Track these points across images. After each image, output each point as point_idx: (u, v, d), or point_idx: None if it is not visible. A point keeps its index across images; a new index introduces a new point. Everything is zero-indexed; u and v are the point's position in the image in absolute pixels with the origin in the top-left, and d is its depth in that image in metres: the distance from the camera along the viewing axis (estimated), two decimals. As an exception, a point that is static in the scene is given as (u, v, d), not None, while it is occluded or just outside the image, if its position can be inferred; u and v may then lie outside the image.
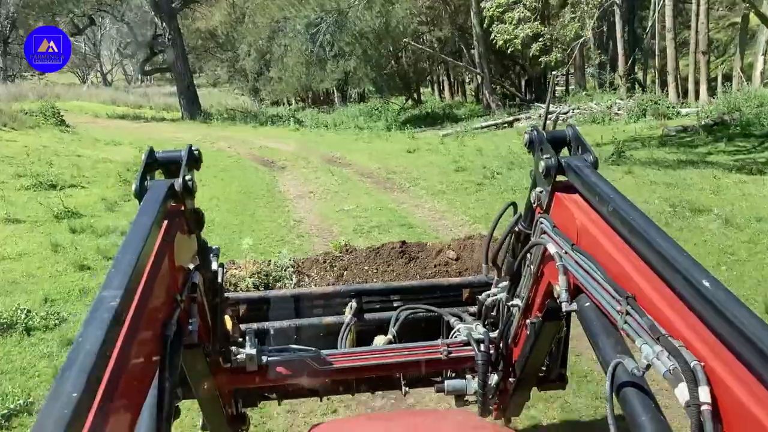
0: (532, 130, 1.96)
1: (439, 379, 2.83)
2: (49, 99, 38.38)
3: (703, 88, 26.69)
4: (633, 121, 25.48)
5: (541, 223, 1.89)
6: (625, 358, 1.34)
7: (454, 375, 2.74)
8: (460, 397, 2.74)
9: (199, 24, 38.94)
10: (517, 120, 30.06)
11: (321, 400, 3.45)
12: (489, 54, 33.97)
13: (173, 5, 32.93)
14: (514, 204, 2.35)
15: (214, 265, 2.17)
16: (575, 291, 1.66)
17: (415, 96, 42.62)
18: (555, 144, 1.89)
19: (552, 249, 1.76)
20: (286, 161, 19.70)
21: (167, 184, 1.66)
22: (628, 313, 1.34)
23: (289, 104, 54.54)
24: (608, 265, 1.48)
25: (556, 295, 1.72)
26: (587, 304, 1.58)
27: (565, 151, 1.91)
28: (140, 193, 1.63)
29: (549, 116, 22.94)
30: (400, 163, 18.39)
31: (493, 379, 2.47)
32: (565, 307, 1.64)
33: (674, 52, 27.61)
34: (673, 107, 25.64)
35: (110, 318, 1.07)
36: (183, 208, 1.76)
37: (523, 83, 39.09)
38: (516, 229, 2.22)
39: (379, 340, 2.71)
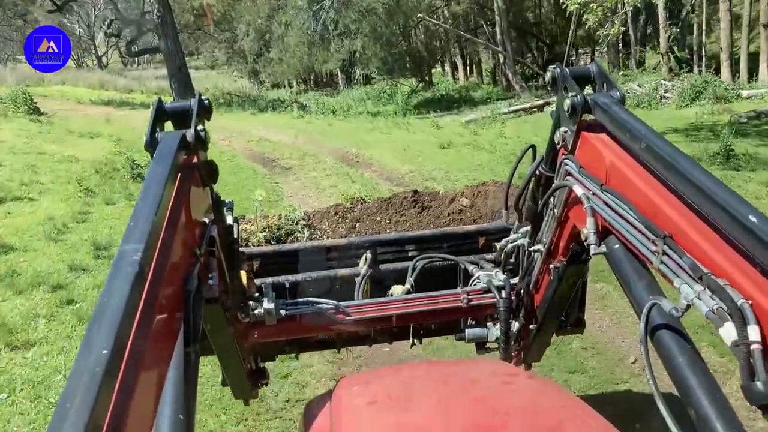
0: (554, 67, 1.81)
1: (459, 327, 2.72)
2: (31, 83, 34.66)
3: (764, 66, 22.82)
4: (684, 105, 21.75)
5: (566, 164, 1.78)
6: (661, 299, 1.26)
7: (474, 323, 2.59)
8: (481, 344, 2.63)
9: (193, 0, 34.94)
10: (548, 104, 26.27)
11: (339, 351, 3.05)
12: (510, 30, 30.06)
13: (162, -22, 28.99)
14: (533, 147, 2.20)
15: (229, 219, 2.06)
16: (603, 233, 1.57)
17: (426, 77, 38.73)
18: (579, 81, 1.75)
19: (579, 191, 1.67)
20: (291, 160, 16.10)
21: (179, 135, 1.53)
22: (664, 253, 1.26)
23: (290, 87, 52.16)
24: (641, 205, 1.39)
25: (583, 238, 1.62)
26: (617, 246, 1.50)
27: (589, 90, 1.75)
28: (152, 146, 1.50)
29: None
30: (437, 165, 14.67)
31: (515, 326, 2.37)
32: (593, 249, 1.56)
33: (729, 25, 23.68)
34: (732, 89, 21.81)
35: (134, 272, 1.01)
36: (196, 159, 1.64)
37: (544, 62, 35.10)
38: (537, 172, 2.08)
39: (397, 290, 2.57)
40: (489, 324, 2.57)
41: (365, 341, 2.81)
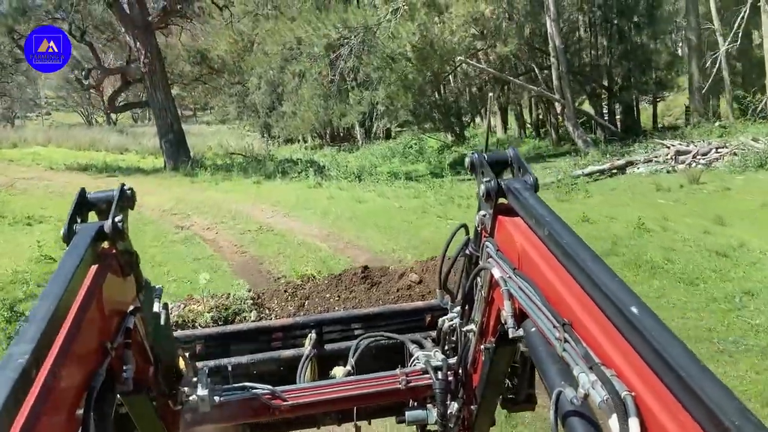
0: (473, 153, 1.80)
1: (402, 408, 2.53)
2: (5, 145, 28.83)
3: None
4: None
5: (487, 246, 1.73)
6: (566, 387, 1.21)
7: (416, 404, 2.41)
8: (422, 427, 2.44)
9: (192, 43, 28.99)
10: (631, 163, 19.96)
11: None
12: (569, 75, 23.92)
13: (150, 18, 23.08)
14: (465, 226, 2.09)
15: (157, 306, 1.91)
16: (521, 316, 1.51)
17: (459, 130, 32.60)
18: (496, 166, 1.73)
19: (497, 273, 1.61)
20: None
21: (96, 226, 1.50)
22: (566, 340, 1.22)
23: (305, 141, 47.25)
24: (547, 290, 1.37)
25: (502, 321, 1.55)
26: (533, 329, 1.44)
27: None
28: (68, 237, 1.46)
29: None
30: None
31: (454, 407, 2.23)
32: (511, 333, 1.51)
33: None
34: None
35: (15, 377, 0.95)
36: (114, 250, 1.56)
37: (605, 110, 28.80)
38: (467, 251, 2.01)
39: (338, 371, 2.41)
40: (429, 406, 2.33)
41: (312, 423, 2.50)
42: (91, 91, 25.28)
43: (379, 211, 14.31)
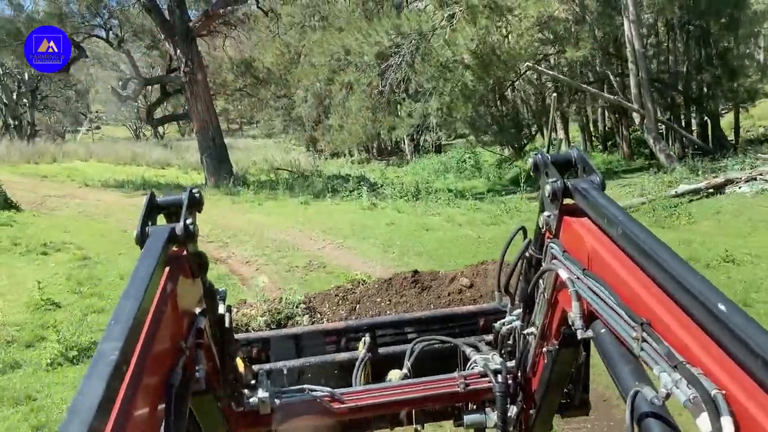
0: (536, 154, 1.75)
1: (459, 411, 2.52)
2: (43, 160, 27.23)
3: None
4: None
5: (551, 248, 1.68)
6: (643, 387, 1.19)
7: (474, 407, 2.37)
8: (480, 430, 2.40)
9: (236, 53, 26.97)
10: (730, 182, 17.03)
11: None
12: (650, 83, 21.07)
13: (190, 25, 21.08)
14: (523, 228, 2.06)
15: (221, 309, 1.92)
16: (590, 317, 1.48)
17: (523, 142, 29.83)
18: (560, 166, 1.67)
19: (563, 275, 1.56)
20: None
21: (168, 229, 1.50)
22: (644, 340, 1.19)
23: (351, 155, 45.50)
24: (621, 290, 1.33)
25: (570, 322, 1.51)
26: (603, 330, 1.42)
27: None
28: (141, 240, 1.46)
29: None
30: None
31: (513, 410, 2.19)
32: (580, 334, 1.46)
33: None
34: None
35: (110, 371, 0.99)
36: (185, 252, 1.57)
37: (693, 123, 25.68)
38: (527, 254, 1.95)
39: (394, 375, 2.39)
40: (488, 409, 2.29)
41: (366, 427, 2.43)
42: (129, 102, 23.12)
43: (452, 242, 11.75)
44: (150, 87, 25.68)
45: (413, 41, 25.15)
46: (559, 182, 1.59)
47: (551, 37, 23.73)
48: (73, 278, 10.06)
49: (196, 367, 1.50)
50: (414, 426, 2.41)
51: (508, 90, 27.28)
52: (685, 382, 1.04)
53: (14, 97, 42.90)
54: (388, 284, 4.39)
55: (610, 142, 29.50)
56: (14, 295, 9.18)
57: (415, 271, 4.47)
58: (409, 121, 34.63)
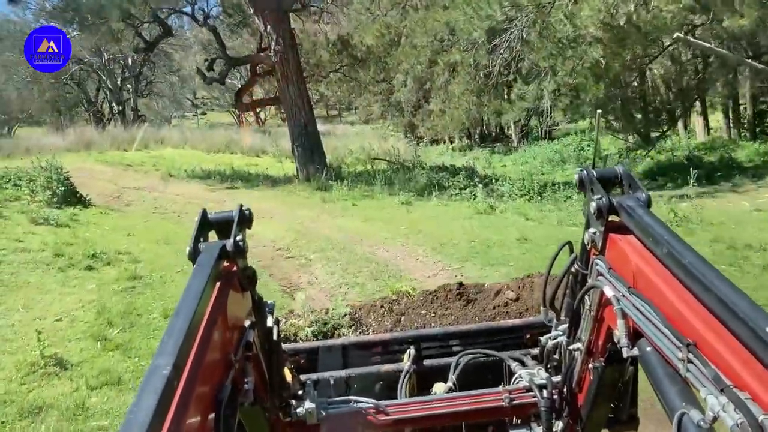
0: (582, 170, 1.71)
1: (505, 426, 2.48)
2: (130, 146, 25.56)
3: None
4: None
5: (597, 264, 1.66)
6: (690, 409, 1.16)
7: (518, 422, 2.34)
8: None
9: (330, 31, 24.00)
10: None
11: None
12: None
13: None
14: (569, 243, 2.03)
15: (270, 321, 1.94)
16: (635, 335, 1.45)
17: (664, 129, 25.35)
18: (605, 182, 1.64)
19: (609, 292, 1.54)
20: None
21: (219, 245, 1.51)
22: (690, 361, 1.16)
23: (451, 142, 42.47)
24: (667, 310, 1.31)
25: (615, 340, 1.49)
26: (648, 349, 1.38)
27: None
28: (194, 256, 1.48)
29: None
30: None
31: (559, 426, 2.10)
32: (626, 352, 1.44)
33: None
34: None
35: (162, 387, 0.99)
36: (235, 267, 1.58)
37: None
38: (573, 269, 1.94)
39: (439, 388, 2.35)
40: (533, 424, 2.25)
41: None
42: (215, 84, 20.76)
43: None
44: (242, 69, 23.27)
45: (529, 15, 21.47)
46: (604, 199, 1.54)
47: (699, 4, 19.32)
48: (107, 313, 7.40)
49: (245, 380, 1.48)
50: None
51: (643, 68, 22.94)
52: (732, 406, 0.99)
53: (118, 82, 42.24)
54: (433, 296, 4.34)
55: (759, 129, 24.60)
56: (21, 340, 6.60)
57: (460, 284, 4.42)
58: (521, 105, 30.85)
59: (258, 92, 36.36)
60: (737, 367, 1.05)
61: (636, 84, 23.32)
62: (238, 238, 1.54)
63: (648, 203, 1.52)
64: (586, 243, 1.73)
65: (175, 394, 1.04)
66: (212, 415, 1.25)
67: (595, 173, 1.65)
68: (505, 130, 40.88)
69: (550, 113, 28.77)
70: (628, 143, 25.55)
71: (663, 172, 20.76)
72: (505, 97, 30.94)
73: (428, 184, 16.88)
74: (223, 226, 1.62)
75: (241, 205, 1.65)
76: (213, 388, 1.29)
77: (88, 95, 46.19)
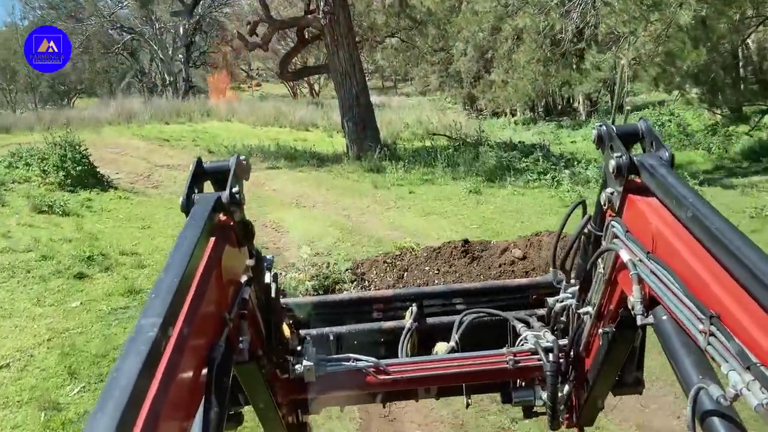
0: (601, 125, 1.58)
1: (507, 387, 2.37)
2: (175, 120, 23.74)
3: None
4: None
5: (613, 227, 1.52)
6: (709, 384, 1.09)
7: (522, 384, 2.23)
8: (528, 408, 2.28)
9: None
10: None
11: (384, 407, 2.67)
12: None
13: (332, -50, 15.80)
14: (583, 203, 1.93)
15: (268, 277, 1.83)
16: (651, 301, 1.35)
17: (740, 104, 21.91)
18: (626, 140, 1.50)
19: (625, 256, 1.41)
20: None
21: (214, 197, 1.40)
22: (711, 334, 1.07)
23: (512, 115, 39.81)
24: (688, 278, 1.19)
25: (630, 306, 1.39)
26: (664, 317, 1.30)
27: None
28: (187, 207, 1.38)
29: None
30: None
31: (564, 389, 2.04)
32: (640, 320, 1.35)
33: None
34: None
35: (148, 349, 0.94)
36: (231, 220, 1.48)
37: None
38: (586, 230, 1.83)
39: (441, 347, 2.23)
40: (537, 387, 2.15)
41: (410, 396, 2.38)
42: (258, 49, 18.52)
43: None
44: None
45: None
46: (624, 157, 1.42)
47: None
48: (75, 354, 5.27)
49: (240, 338, 1.42)
50: (466, 399, 2.27)
51: (749, 32, 19.51)
52: (758, 385, 0.94)
53: (170, 52, 40.60)
54: (437, 253, 4.24)
55: None
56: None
57: (466, 240, 4.33)
58: (596, 75, 27.82)
59: (311, 62, 34.14)
60: (764, 343, 0.97)
61: (742, 51, 19.98)
62: (234, 189, 1.40)
63: (671, 162, 1.38)
64: (602, 203, 1.57)
65: (163, 355, 0.97)
66: (204, 375, 1.17)
67: (615, 129, 1.51)
68: (573, 103, 38.08)
69: (628, 84, 25.57)
70: (720, 117, 22.23)
71: (757, 153, 17.59)
72: (574, 66, 28.63)
73: (498, 165, 14.25)
74: (219, 177, 1.46)
75: (238, 155, 1.50)
76: (205, 347, 1.20)
77: (142, 66, 44.90)
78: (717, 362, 1.03)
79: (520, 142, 20.82)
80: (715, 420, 1.06)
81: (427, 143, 19.93)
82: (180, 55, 40.97)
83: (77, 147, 12.25)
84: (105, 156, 16.32)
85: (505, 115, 39.53)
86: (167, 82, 40.08)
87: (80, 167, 11.96)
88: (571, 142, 25.95)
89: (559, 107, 38.60)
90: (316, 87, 55.08)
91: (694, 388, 1.09)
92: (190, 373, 1.10)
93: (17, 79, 49.73)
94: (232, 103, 30.46)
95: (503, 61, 32.16)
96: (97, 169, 12.72)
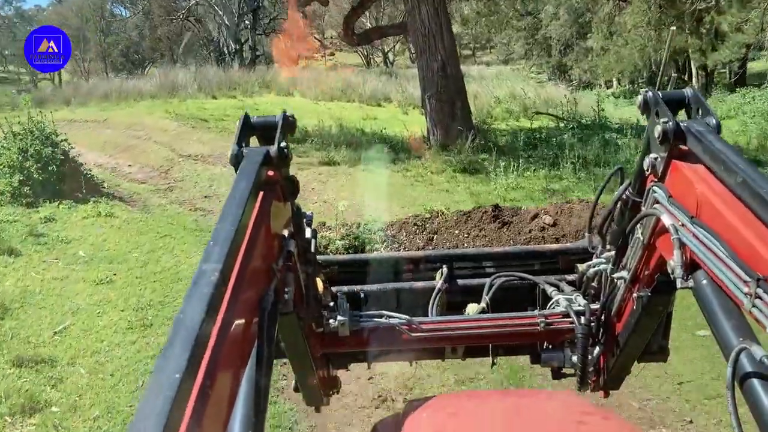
0: (647, 91, 1.47)
1: (536, 348, 2.26)
2: (223, 93, 19.86)
3: None
4: None
5: (655, 192, 1.46)
6: (751, 345, 1.07)
7: (550, 347, 2.13)
8: (556, 369, 2.17)
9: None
10: None
11: (411, 365, 2.73)
12: None
13: None
14: (621, 170, 1.84)
15: (308, 233, 1.77)
16: (690, 266, 1.31)
17: None
18: (672, 105, 1.42)
19: (667, 221, 1.37)
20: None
21: (263, 151, 1.37)
22: (757, 296, 1.06)
23: (608, 87, 35.16)
24: (734, 242, 1.17)
25: (669, 270, 1.34)
26: (705, 281, 1.27)
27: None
28: (236, 161, 1.34)
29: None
30: None
31: (594, 352, 1.97)
32: (680, 283, 1.30)
33: None
34: None
35: (210, 292, 0.94)
36: (278, 175, 1.42)
37: None
38: (624, 196, 1.71)
39: (471, 308, 2.14)
40: (567, 349, 2.07)
41: (439, 355, 2.27)
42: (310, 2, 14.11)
43: None
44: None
45: None
46: (671, 123, 1.36)
47: None
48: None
49: (285, 289, 1.42)
50: (492, 359, 2.21)
51: None
52: None
53: (236, 18, 36.73)
54: (467, 217, 4.15)
55: None
56: None
57: (496, 205, 4.25)
58: (738, 39, 22.29)
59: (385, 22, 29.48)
60: None
61: None
62: (282, 144, 1.38)
63: (718, 129, 1.34)
64: (645, 168, 1.49)
65: (223, 299, 0.98)
66: (256, 322, 1.19)
67: (661, 95, 1.44)
68: (682, 75, 32.94)
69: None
70: None
71: None
72: (699, 30, 24.27)
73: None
74: (266, 132, 1.45)
75: (285, 111, 1.47)
76: (257, 296, 1.22)
77: (210, 33, 41.41)
78: (761, 324, 1.00)
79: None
80: (757, 381, 1.04)
81: (533, 123, 15.15)
82: (246, 22, 37.07)
83: (47, 138, 8.26)
84: (122, 141, 12.44)
85: (600, 87, 34.86)
86: (233, 50, 36.33)
87: (51, 167, 7.99)
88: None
89: (668, 78, 33.28)
90: (390, 56, 50.37)
91: (735, 350, 1.07)
92: (245, 320, 1.11)
93: (89, 48, 47.54)
94: (295, 73, 26.33)
95: (602, 26, 26.51)
96: (82, 167, 8.76)
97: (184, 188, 9.70)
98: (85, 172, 8.85)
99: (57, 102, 19.02)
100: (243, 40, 37.27)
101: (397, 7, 19.73)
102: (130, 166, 11.01)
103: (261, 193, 1.29)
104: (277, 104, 18.43)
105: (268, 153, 1.35)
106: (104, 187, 8.97)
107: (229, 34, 36.57)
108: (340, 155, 11.34)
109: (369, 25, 28.68)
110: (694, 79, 30.25)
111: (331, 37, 57.01)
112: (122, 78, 26.88)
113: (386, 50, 50.26)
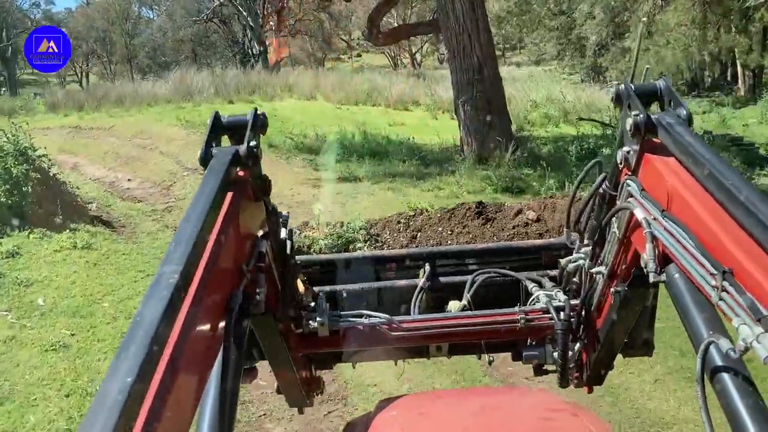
0: (619, 84, 1.49)
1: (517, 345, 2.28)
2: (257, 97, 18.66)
3: None
4: None
5: (628, 185, 1.46)
6: (719, 338, 1.10)
7: (533, 342, 2.13)
8: (538, 365, 2.16)
9: None
10: None
11: (396, 364, 2.53)
12: None
13: None
14: (599, 163, 1.78)
15: (283, 233, 1.75)
16: (664, 260, 1.30)
17: None
18: (644, 98, 1.42)
19: (640, 214, 1.37)
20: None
21: (232, 150, 1.36)
22: (724, 289, 1.07)
23: None
24: (702, 235, 1.18)
25: (642, 264, 1.33)
26: (677, 275, 1.26)
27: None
28: (205, 160, 1.33)
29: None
30: None
31: (574, 348, 1.98)
32: (652, 277, 1.29)
33: None
34: None
35: (169, 294, 0.93)
36: (248, 174, 1.43)
37: None
38: (600, 190, 1.68)
39: (453, 306, 2.15)
40: (548, 346, 2.07)
41: (422, 354, 2.27)
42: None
43: None
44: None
45: None
46: (642, 116, 1.36)
47: None
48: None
49: (257, 291, 1.39)
50: (488, 357, 2.18)
51: None
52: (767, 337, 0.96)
53: (260, 19, 35.62)
54: (451, 214, 4.15)
55: None
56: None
57: (480, 202, 4.24)
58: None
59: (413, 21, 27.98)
60: None
61: None
62: (252, 143, 1.37)
63: (689, 121, 1.34)
64: (618, 162, 1.50)
65: (183, 302, 0.97)
66: (223, 324, 1.18)
67: (633, 87, 1.44)
68: (725, 73, 31.50)
69: None
70: None
71: None
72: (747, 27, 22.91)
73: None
74: (237, 131, 1.43)
75: (256, 109, 1.45)
76: (224, 297, 1.21)
77: (234, 35, 40.41)
78: (728, 317, 1.01)
79: (705, 132, 14.12)
80: (724, 374, 1.05)
81: (568, 129, 13.60)
82: (271, 23, 35.93)
83: (25, 153, 7.02)
84: (125, 152, 11.25)
85: (633, 88, 33.17)
86: (257, 51, 35.23)
87: (24, 188, 6.74)
88: (743, 125, 19.28)
89: (711, 79, 31.56)
90: (418, 56, 48.86)
91: (704, 343, 1.09)
92: (209, 322, 1.10)
93: (114, 51, 47.04)
94: (318, 75, 24.98)
95: (640, 25, 26.20)
96: (65, 185, 7.50)
97: (184, 208, 8.41)
98: (70, 191, 7.59)
99: (69, 106, 18.04)
100: (267, 42, 36.16)
101: (428, 5, 18.31)
102: (129, 180, 9.82)
103: (230, 194, 1.27)
104: (297, 109, 17.17)
105: (237, 152, 1.33)
106: (92, 210, 7.71)
107: (254, 35, 35.45)
108: (362, 169, 9.94)
109: (396, 24, 27.24)
110: (739, 80, 28.41)
111: (358, 39, 55.86)
112: (147, 80, 26.09)
113: (414, 51, 48.77)
